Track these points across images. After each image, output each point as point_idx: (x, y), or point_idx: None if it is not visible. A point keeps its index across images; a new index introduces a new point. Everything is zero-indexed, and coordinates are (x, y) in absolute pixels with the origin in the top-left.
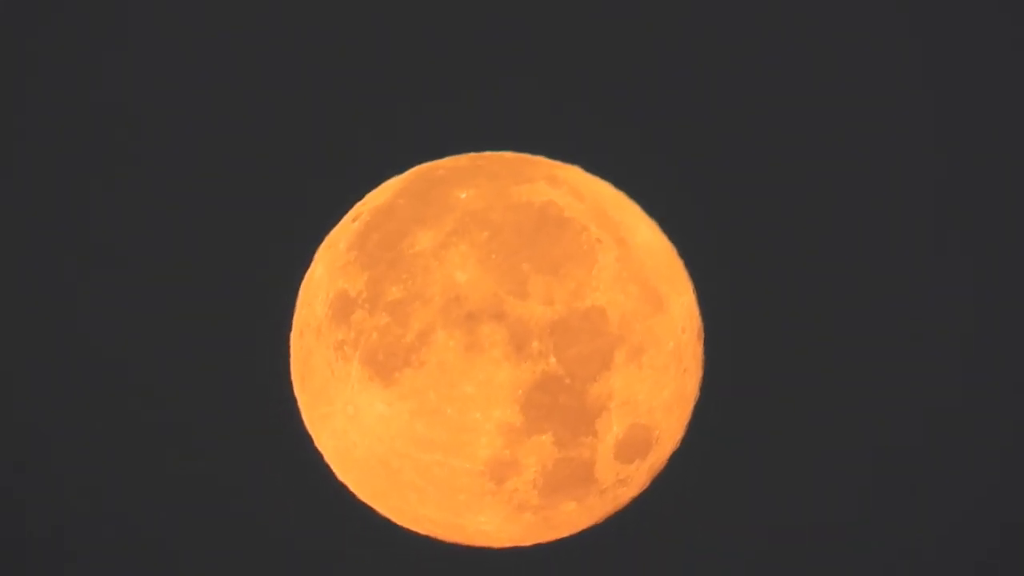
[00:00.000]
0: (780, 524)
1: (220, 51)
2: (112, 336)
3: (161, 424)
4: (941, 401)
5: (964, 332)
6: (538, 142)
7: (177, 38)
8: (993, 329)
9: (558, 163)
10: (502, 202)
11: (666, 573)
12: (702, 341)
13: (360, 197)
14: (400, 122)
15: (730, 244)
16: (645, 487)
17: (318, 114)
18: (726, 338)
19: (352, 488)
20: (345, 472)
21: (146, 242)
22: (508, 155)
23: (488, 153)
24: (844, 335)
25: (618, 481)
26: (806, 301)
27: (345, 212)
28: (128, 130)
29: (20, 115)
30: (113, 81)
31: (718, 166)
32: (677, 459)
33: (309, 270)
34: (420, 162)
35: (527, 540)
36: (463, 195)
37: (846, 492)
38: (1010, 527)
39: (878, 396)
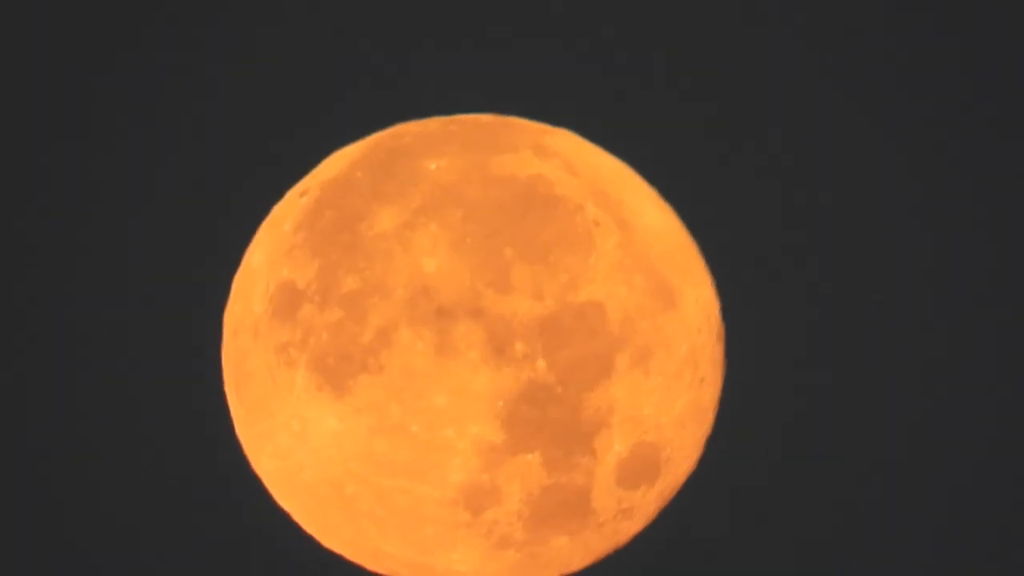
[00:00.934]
0: (817, 567)
1: None
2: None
3: (57, 440)
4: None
5: None
6: (523, 103)
7: None
8: None
9: (548, 128)
10: (480, 175)
11: None
12: (722, 343)
13: (309, 168)
14: (357, 79)
15: (756, 226)
16: (653, 519)
17: (257, 68)
18: (751, 339)
19: (297, 519)
20: (289, 500)
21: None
22: (487, 118)
23: (463, 116)
24: (898, 336)
25: (620, 512)
26: (850, 294)
27: (290, 186)
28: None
29: None
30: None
31: (742, 131)
32: (692, 485)
33: (245, 256)
34: (381, 127)
35: None
36: (433, 166)
37: (906, 531)
38: None
39: (944, 412)
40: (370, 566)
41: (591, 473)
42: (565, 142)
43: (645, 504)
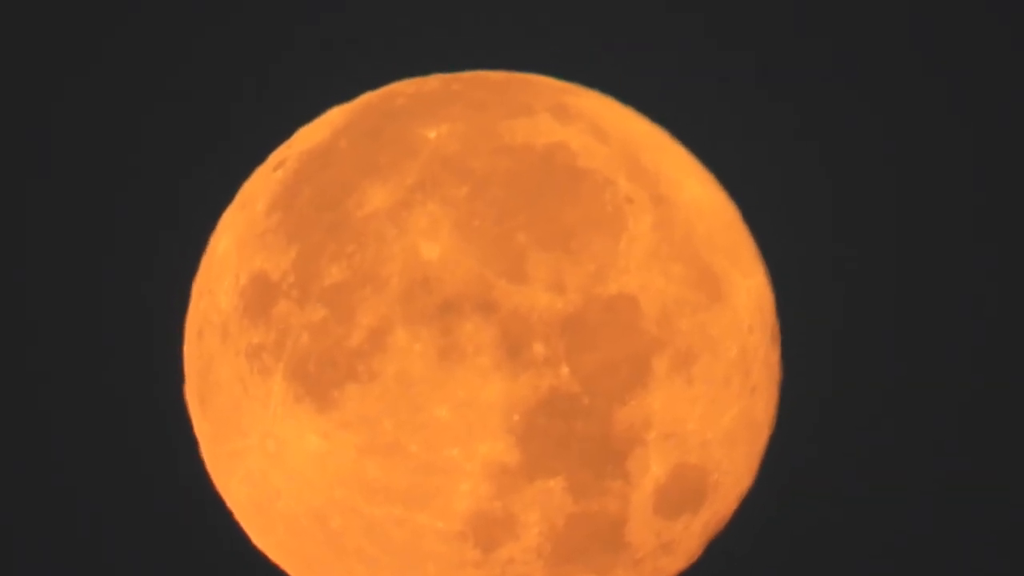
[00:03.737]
0: None
1: None
2: None
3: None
4: None
5: None
6: (541, 56)
7: None
8: None
9: (571, 86)
10: (488, 144)
11: None
12: (778, 344)
13: (285, 136)
14: (341, 29)
15: (819, 204)
16: (698, 555)
17: (220, 14)
18: (814, 340)
19: (273, 557)
20: (264, 533)
21: None
22: (497, 75)
23: (468, 73)
24: (984, 337)
25: (659, 546)
26: (936, 287)
27: (264, 158)
28: None
29: None
30: None
31: (803, 92)
32: (743, 515)
33: (211, 243)
34: (371, 87)
35: None
36: (432, 134)
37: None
38: None
39: None
40: None
41: (625, 500)
42: (591, 103)
43: (688, 537)
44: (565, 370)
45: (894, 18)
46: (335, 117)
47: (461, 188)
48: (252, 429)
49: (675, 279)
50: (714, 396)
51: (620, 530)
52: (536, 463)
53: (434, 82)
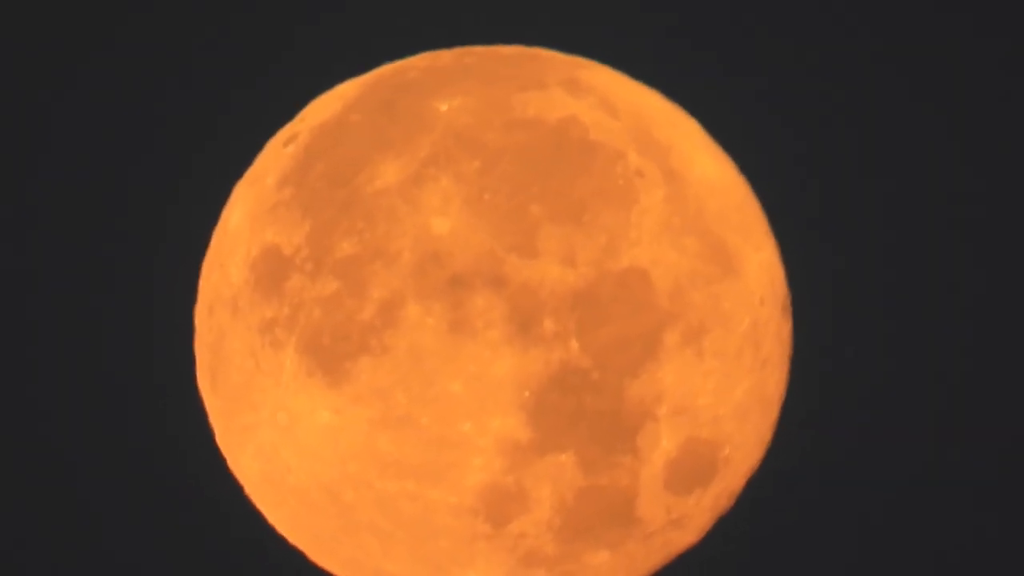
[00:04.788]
0: None
1: None
2: None
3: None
4: None
5: None
6: (554, 30)
7: None
8: None
9: (582, 60)
10: (500, 117)
11: None
12: (790, 317)
13: (296, 111)
14: (356, 4)
15: (829, 178)
16: (708, 530)
17: None
18: (826, 313)
19: (284, 531)
20: (275, 508)
21: None
22: (508, 50)
23: (480, 47)
24: (997, 309)
25: (670, 521)
26: (943, 263)
27: (274, 132)
28: None
29: None
30: None
31: (814, 65)
32: (754, 489)
33: (222, 217)
34: (382, 61)
35: None
36: (444, 107)
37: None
38: None
39: None
40: None
41: (635, 475)
42: (603, 77)
43: (699, 512)
44: (575, 345)
45: None
46: (347, 91)
47: (473, 162)
48: (264, 403)
49: (687, 252)
50: (726, 370)
51: (630, 505)
52: (547, 438)
53: (447, 56)
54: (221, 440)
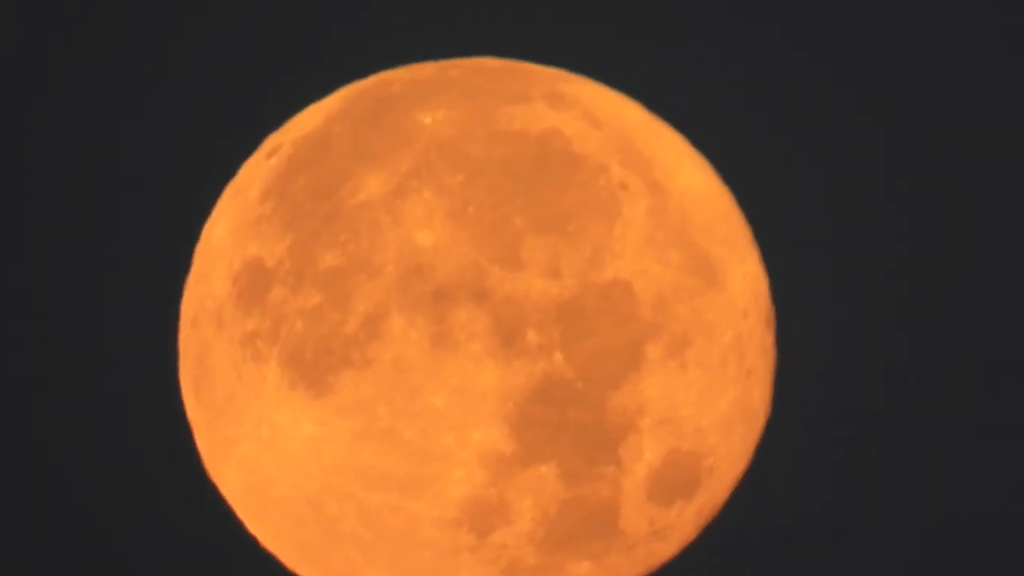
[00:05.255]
0: None
1: None
2: None
3: None
4: None
5: None
6: (537, 44)
7: None
8: None
9: (565, 74)
10: (484, 130)
11: None
12: (773, 329)
13: (279, 123)
14: (337, 15)
15: (812, 190)
16: (691, 541)
17: (218, 8)
18: (809, 325)
19: (267, 543)
20: (258, 520)
21: None
22: (491, 62)
23: (463, 60)
24: (981, 323)
25: (653, 533)
26: (925, 272)
27: (257, 145)
28: None
29: None
30: None
31: (797, 78)
32: (738, 500)
33: (205, 229)
34: (366, 74)
35: None
36: (427, 119)
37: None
38: None
39: None
40: None
41: (618, 486)
42: (585, 90)
43: (682, 524)
44: (559, 357)
45: (885, 3)
46: (329, 104)
47: (456, 175)
48: (247, 416)
49: (670, 264)
50: (709, 381)
51: (613, 516)
52: (529, 450)
53: (430, 69)
54: (204, 452)
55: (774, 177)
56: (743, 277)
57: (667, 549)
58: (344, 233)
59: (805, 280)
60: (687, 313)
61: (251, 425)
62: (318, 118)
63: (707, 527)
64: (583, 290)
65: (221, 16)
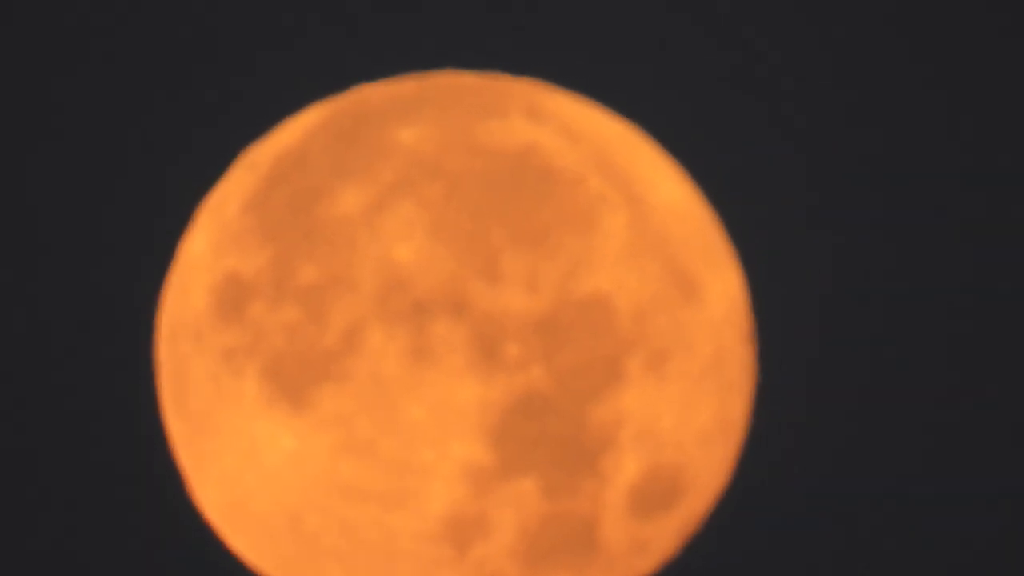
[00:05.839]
0: None
1: None
2: None
3: None
4: None
5: None
6: (514, 57)
7: None
8: None
9: (543, 87)
10: (462, 144)
11: None
12: (752, 343)
13: (258, 137)
14: (312, 29)
15: (792, 202)
16: (672, 555)
17: (193, 17)
18: (788, 339)
19: (247, 556)
20: (238, 534)
21: None
22: (469, 76)
23: (441, 74)
24: (963, 335)
25: (633, 546)
26: (906, 286)
27: (236, 159)
28: None
29: None
30: None
31: (777, 89)
32: (719, 514)
33: (184, 242)
34: (343, 88)
35: None
36: (406, 133)
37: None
38: None
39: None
40: None
41: (598, 500)
42: (563, 103)
43: (662, 537)
44: (538, 370)
45: (867, 10)
46: (309, 117)
47: (435, 189)
48: (225, 429)
49: (649, 278)
50: (688, 394)
51: (593, 530)
52: (510, 463)
53: (408, 83)
54: (184, 467)
55: (754, 190)
56: (722, 290)
57: (648, 563)
58: (323, 247)
59: (784, 294)
60: (666, 326)
61: (230, 439)
62: (297, 132)
63: (687, 541)
64: (562, 303)
65: (199, 31)
